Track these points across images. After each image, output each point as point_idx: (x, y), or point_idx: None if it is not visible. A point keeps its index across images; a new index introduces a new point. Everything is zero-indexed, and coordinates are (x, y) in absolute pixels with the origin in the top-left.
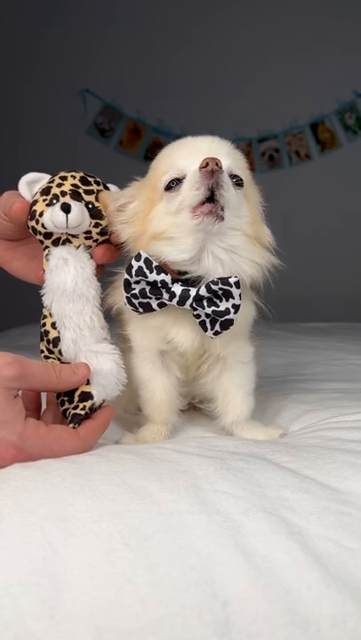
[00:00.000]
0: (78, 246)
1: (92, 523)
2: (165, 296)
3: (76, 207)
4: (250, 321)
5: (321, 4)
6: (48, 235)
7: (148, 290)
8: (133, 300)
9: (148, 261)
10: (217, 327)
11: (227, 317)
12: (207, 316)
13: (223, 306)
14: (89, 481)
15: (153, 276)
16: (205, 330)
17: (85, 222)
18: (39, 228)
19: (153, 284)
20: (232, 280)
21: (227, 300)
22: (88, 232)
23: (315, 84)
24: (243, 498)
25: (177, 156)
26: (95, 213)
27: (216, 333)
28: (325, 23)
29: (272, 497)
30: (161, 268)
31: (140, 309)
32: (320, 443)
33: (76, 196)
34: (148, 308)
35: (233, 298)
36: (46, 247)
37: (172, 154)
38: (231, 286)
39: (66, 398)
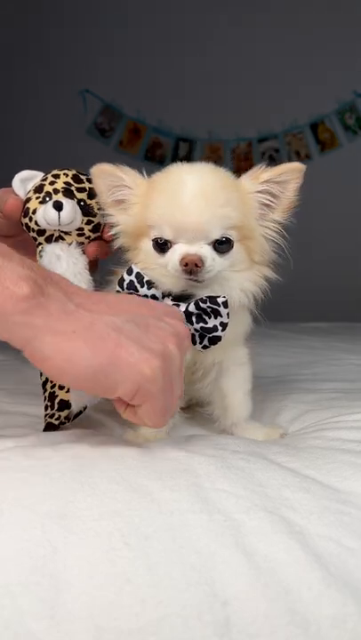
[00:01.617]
0: (71, 243)
1: (93, 521)
2: None
3: (69, 205)
4: (246, 330)
5: (321, 4)
6: (41, 232)
7: None
8: None
9: (139, 276)
10: (205, 342)
11: (215, 334)
12: (196, 330)
13: (211, 323)
14: (89, 478)
15: (144, 291)
16: (194, 343)
17: (78, 219)
18: (32, 225)
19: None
20: (220, 300)
21: (215, 318)
22: (80, 229)
23: (315, 84)
24: (244, 497)
25: (165, 219)
26: (87, 211)
27: (205, 347)
28: (325, 23)
29: (273, 496)
30: (152, 283)
31: None
32: (320, 443)
33: (68, 193)
34: None
35: (221, 316)
36: (39, 244)
37: (163, 205)
38: (219, 306)
39: (49, 403)
